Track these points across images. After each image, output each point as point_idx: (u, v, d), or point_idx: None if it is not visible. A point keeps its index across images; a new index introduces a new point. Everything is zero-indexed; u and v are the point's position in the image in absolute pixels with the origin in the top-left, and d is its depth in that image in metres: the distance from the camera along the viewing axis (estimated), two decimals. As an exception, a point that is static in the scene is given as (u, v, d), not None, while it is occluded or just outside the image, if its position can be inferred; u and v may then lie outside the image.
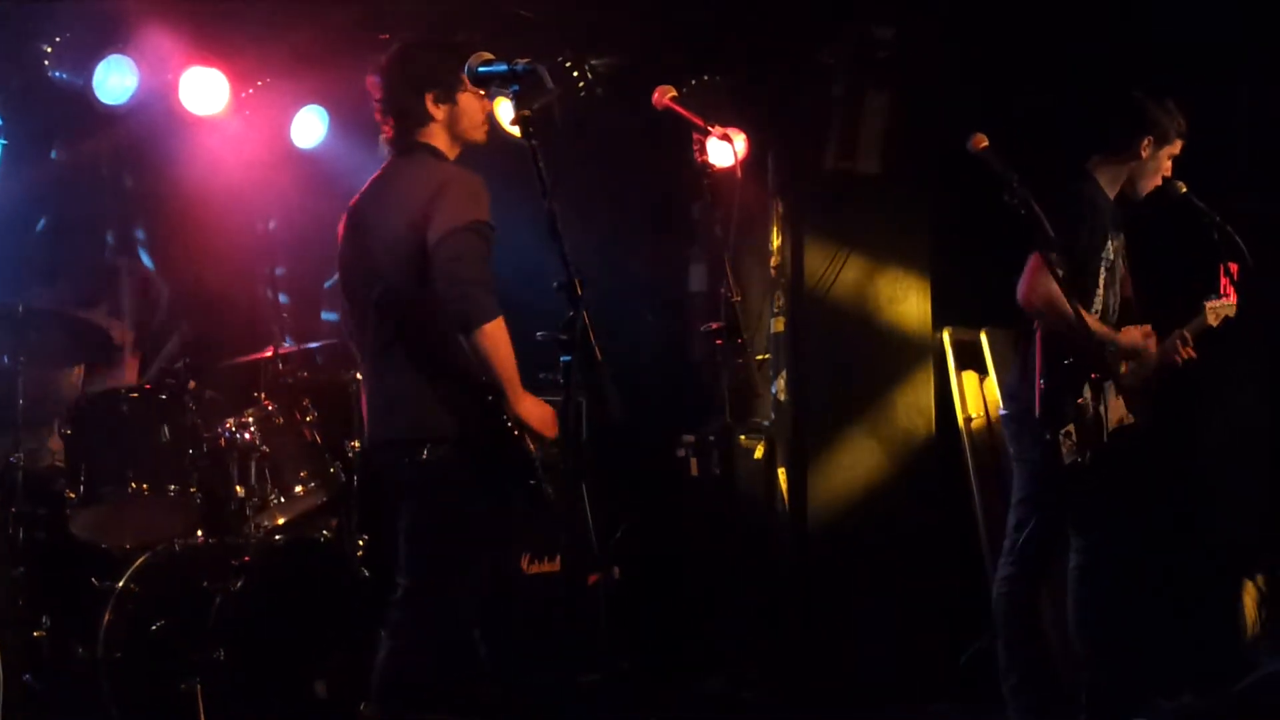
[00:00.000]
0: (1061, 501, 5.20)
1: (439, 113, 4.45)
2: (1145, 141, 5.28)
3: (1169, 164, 5.33)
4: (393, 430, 4.40)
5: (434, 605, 4.39)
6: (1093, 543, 5.29)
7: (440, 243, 4.16)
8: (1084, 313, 4.99)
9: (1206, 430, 6.61)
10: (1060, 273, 4.85)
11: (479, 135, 4.55)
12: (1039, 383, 5.06)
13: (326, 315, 8.05)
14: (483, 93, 4.44)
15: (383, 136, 4.53)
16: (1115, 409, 5.17)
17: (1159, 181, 5.33)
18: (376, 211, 4.46)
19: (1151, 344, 5.29)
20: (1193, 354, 5.32)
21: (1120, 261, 5.35)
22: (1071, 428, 5.07)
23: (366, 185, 4.56)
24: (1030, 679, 5.22)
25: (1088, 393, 5.10)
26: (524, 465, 4.30)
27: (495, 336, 4.18)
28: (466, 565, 4.41)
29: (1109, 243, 5.26)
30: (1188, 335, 5.32)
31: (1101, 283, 5.27)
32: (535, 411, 4.33)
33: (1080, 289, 5.12)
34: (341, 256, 4.58)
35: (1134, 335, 5.29)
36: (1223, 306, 5.32)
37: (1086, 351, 5.02)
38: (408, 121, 4.43)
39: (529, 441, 4.31)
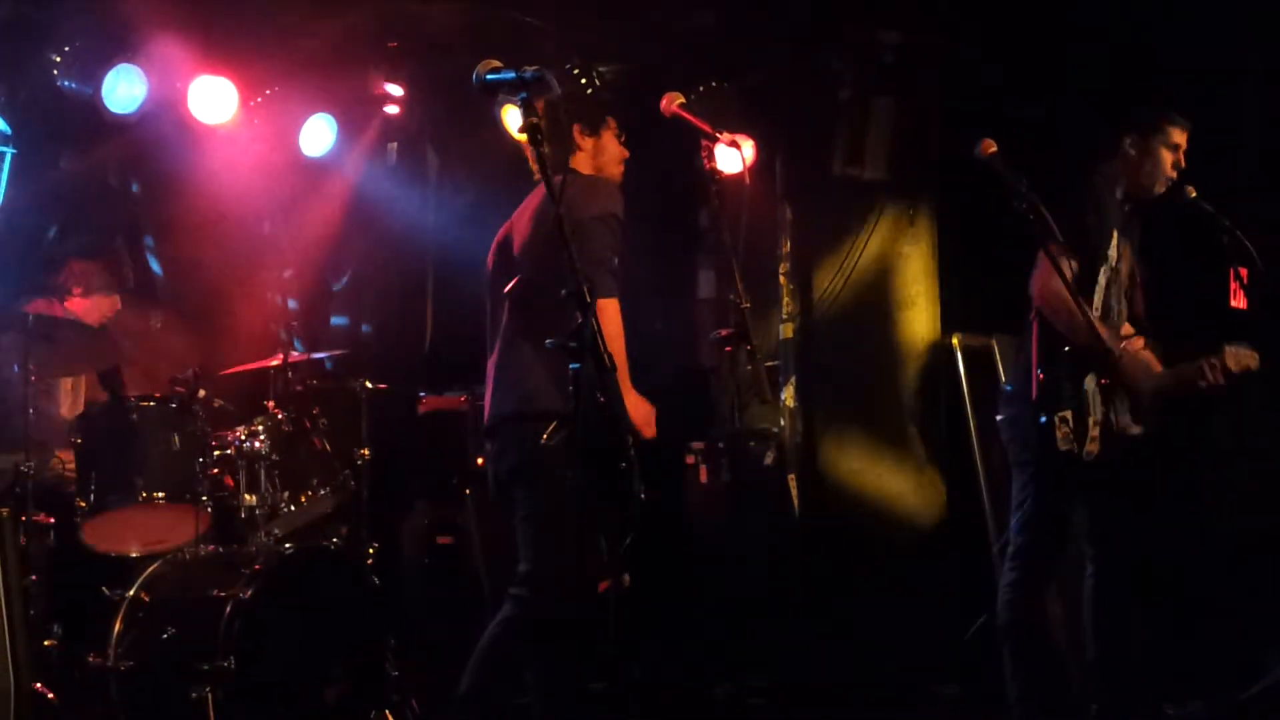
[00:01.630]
0: (1061, 498, 5.15)
1: (585, 143, 4.77)
2: (1128, 140, 5.21)
3: (1172, 156, 5.21)
4: (509, 405, 4.60)
5: (547, 590, 4.53)
6: (1107, 551, 5.26)
7: (574, 230, 4.26)
8: (1093, 317, 4.97)
9: (1217, 435, 6.59)
10: (1068, 274, 4.83)
11: (617, 174, 4.84)
12: (1036, 373, 5.03)
13: (336, 320, 8.07)
14: (623, 137, 4.84)
15: (531, 161, 4.67)
16: (1121, 413, 5.13)
17: (1168, 174, 5.22)
18: (521, 224, 4.74)
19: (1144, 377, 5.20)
20: (1220, 381, 5.17)
21: (1125, 267, 5.29)
22: (1069, 414, 5.01)
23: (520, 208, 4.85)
24: (1034, 687, 5.17)
25: (1090, 384, 5.07)
26: (622, 457, 4.35)
27: (609, 313, 4.43)
28: (576, 546, 4.44)
29: (1113, 244, 5.22)
30: (1217, 363, 5.14)
31: (1103, 282, 5.22)
32: (638, 406, 4.54)
33: (1080, 284, 5.09)
34: (490, 275, 4.85)
35: (1135, 363, 5.20)
36: (1244, 356, 5.14)
37: (1091, 354, 4.99)
38: (556, 147, 4.61)
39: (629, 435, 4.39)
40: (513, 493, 4.64)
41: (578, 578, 4.51)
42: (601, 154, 4.83)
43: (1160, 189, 5.26)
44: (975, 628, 6.49)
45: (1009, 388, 5.36)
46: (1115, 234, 5.21)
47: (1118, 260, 5.23)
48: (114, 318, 6.48)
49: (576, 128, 4.78)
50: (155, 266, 7.44)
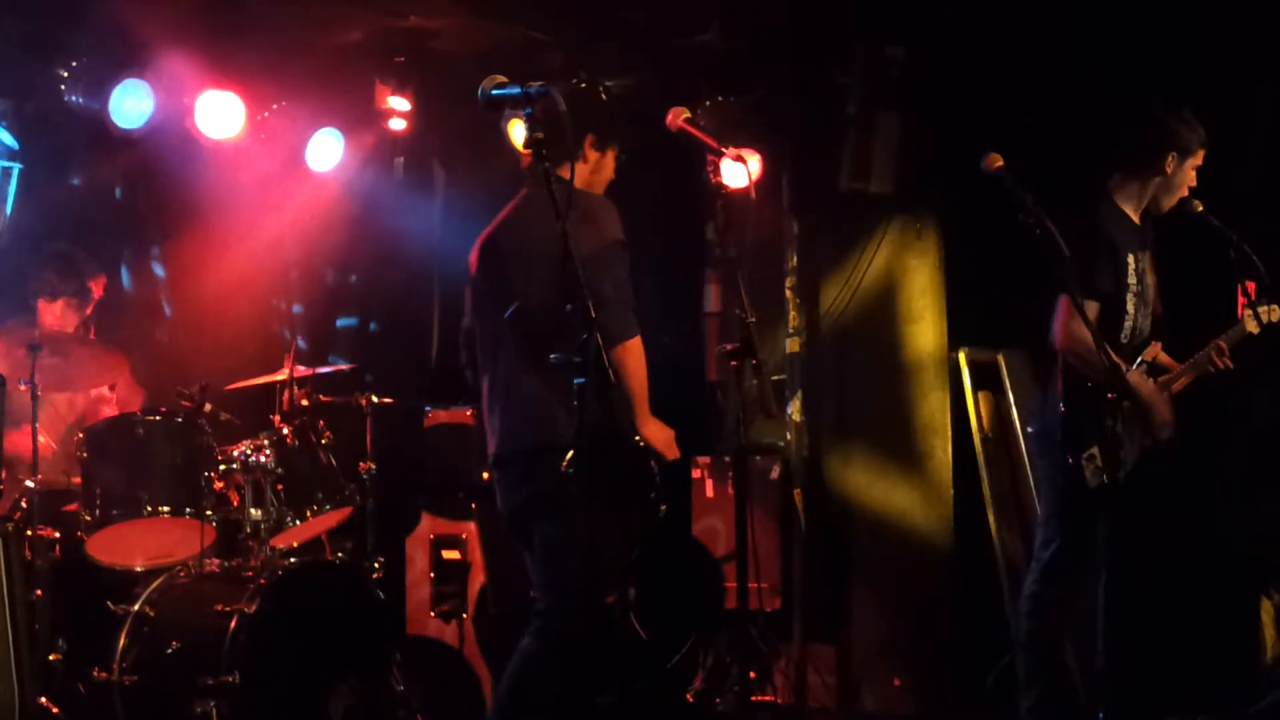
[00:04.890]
0: (1089, 522, 5.15)
1: (591, 156, 4.69)
2: (1170, 158, 5.20)
3: (1193, 175, 5.25)
4: (527, 440, 4.52)
5: (570, 620, 4.47)
6: (1123, 560, 5.26)
7: (587, 262, 4.15)
8: (1114, 357, 4.96)
9: (1227, 447, 6.57)
10: (1090, 314, 4.84)
11: (601, 189, 4.77)
12: (1060, 407, 5.02)
13: (334, 360, 8.01)
14: (621, 160, 4.77)
15: (525, 164, 4.68)
16: (1144, 434, 5.13)
17: (1185, 193, 5.26)
18: (513, 237, 4.64)
19: (1162, 406, 5.21)
20: (1230, 365, 5.24)
21: (1149, 278, 5.30)
22: (1095, 450, 5.03)
23: (502, 214, 4.75)
24: (1049, 698, 5.19)
25: (1116, 415, 5.07)
26: (647, 482, 4.36)
27: (633, 353, 4.41)
28: (596, 579, 4.49)
29: (1132, 264, 5.21)
30: (1224, 345, 5.25)
31: (1131, 307, 5.22)
32: (660, 433, 4.54)
33: (1111, 320, 5.11)
34: (474, 284, 4.77)
35: (1151, 390, 5.20)
36: (1268, 310, 5.24)
37: (1112, 386, 4.99)
38: (560, 155, 4.36)
39: (651, 460, 4.47)
40: (529, 524, 4.60)
41: (594, 602, 4.51)
42: (600, 171, 4.77)
43: (1173, 203, 5.28)
44: (996, 672, 6.47)
45: (1030, 429, 5.38)
46: (1133, 256, 5.20)
47: (1139, 281, 5.22)
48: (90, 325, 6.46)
49: (590, 139, 4.69)
50: (162, 280, 7.44)
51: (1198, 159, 5.24)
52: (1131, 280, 5.19)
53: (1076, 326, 4.94)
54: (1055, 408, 5.09)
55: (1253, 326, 5.26)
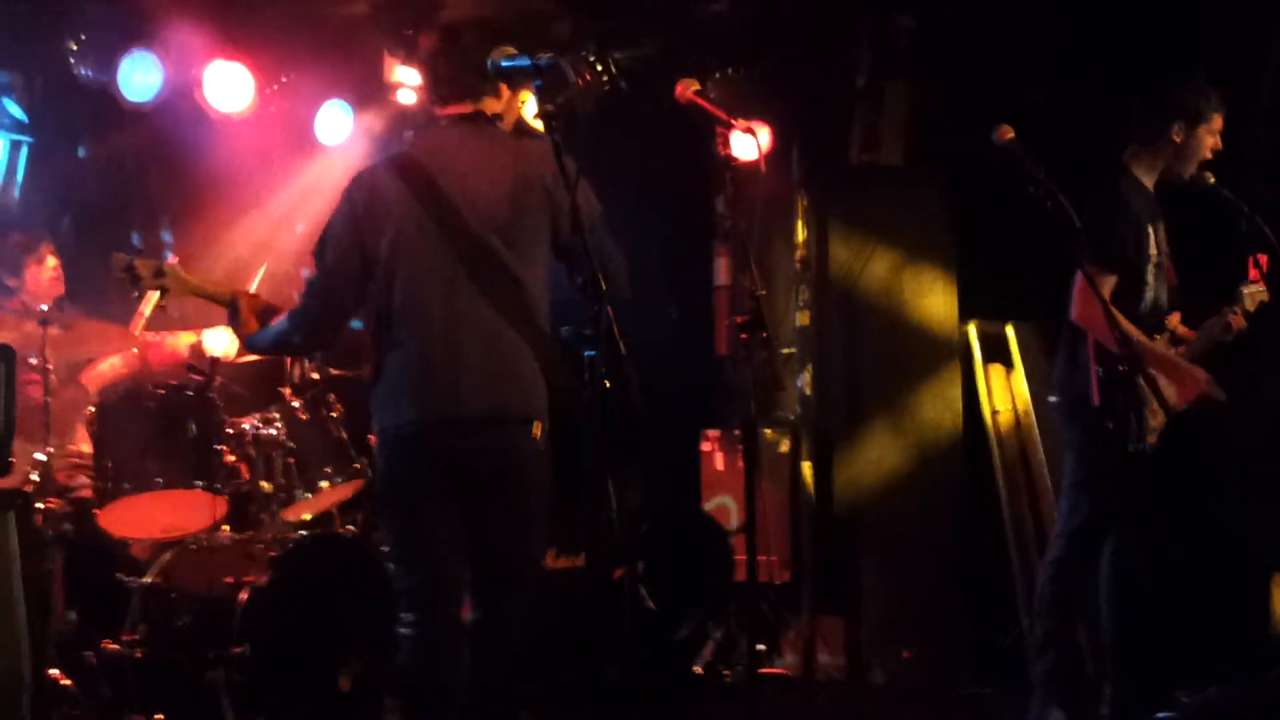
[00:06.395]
0: (1116, 489, 5.16)
1: (508, 96, 4.36)
2: (1176, 127, 5.18)
3: (1211, 140, 5.21)
4: (516, 404, 4.20)
5: (528, 599, 4.30)
6: (1133, 532, 5.27)
7: (593, 227, 4.09)
8: (1133, 330, 4.98)
9: (1237, 422, 6.56)
10: (1106, 291, 4.85)
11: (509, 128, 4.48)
12: (1095, 369, 5.02)
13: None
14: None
15: (439, 94, 4.35)
16: (1169, 396, 5.12)
17: (1205, 157, 5.21)
18: (475, 177, 4.24)
19: (1188, 370, 5.21)
20: (1244, 324, 5.23)
21: (1165, 250, 5.29)
22: (1132, 418, 5.04)
23: (420, 147, 4.37)
24: (1063, 665, 5.21)
25: (1141, 381, 5.07)
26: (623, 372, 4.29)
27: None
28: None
29: (1152, 236, 5.20)
30: (1238, 309, 5.24)
31: (1151, 278, 5.21)
32: None
33: (1131, 292, 5.11)
34: (375, 222, 4.23)
35: (1171, 359, 5.20)
36: (1258, 292, 5.27)
37: (1134, 359, 4.99)
38: (485, 94, 4.25)
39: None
40: (490, 493, 4.26)
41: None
42: (515, 109, 4.49)
43: (1192, 170, 5.25)
44: (1006, 641, 6.48)
45: (1055, 398, 5.36)
46: (1152, 227, 5.18)
47: (1159, 252, 5.21)
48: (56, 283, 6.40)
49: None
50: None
51: (1214, 124, 5.20)
52: (1153, 252, 5.18)
53: (1092, 303, 4.94)
54: (1087, 376, 5.07)
55: (1249, 305, 5.26)
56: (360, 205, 4.25)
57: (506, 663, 4.26)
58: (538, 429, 4.19)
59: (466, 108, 4.32)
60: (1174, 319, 5.30)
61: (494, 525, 4.22)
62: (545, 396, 4.13)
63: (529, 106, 6.11)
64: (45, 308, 5.80)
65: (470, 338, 4.17)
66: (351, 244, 4.25)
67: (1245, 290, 5.28)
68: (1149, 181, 5.26)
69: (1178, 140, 5.19)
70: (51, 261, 6.27)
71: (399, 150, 4.44)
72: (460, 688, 4.20)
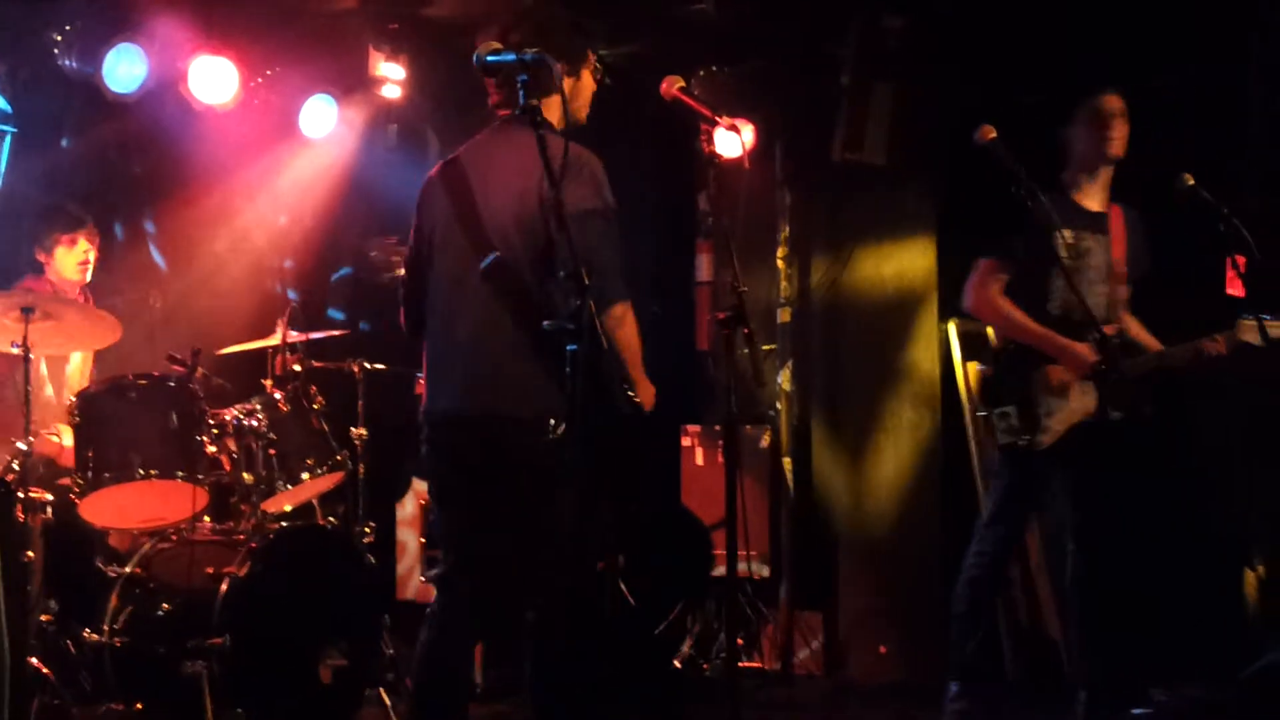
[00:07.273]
0: (1019, 483, 5.36)
1: (565, 85, 4.36)
2: (1068, 132, 5.41)
3: (1107, 122, 5.33)
4: (524, 406, 4.25)
5: (566, 597, 4.34)
6: (1085, 540, 5.35)
7: (578, 223, 4.06)
8: (1020, 315, 5.22)
9: (1207, 418, 6.59)
10: (1004, 276, 5.17)
11: (584, 116, 4.56)
12: (980, 371, 5.22)
13: (332, 313, 8.04)
14: (600, 74, 4.56)
15: (490, 100, 4.47)
16: (1079, 402, 5.20)
17: (1111, 136, 5.32)
18: (489, 177, 4.38)
19: (1074, 365, 5.27)
20: (1223, 350, 5.24)
21: (1096, 259, 5.34)
22: (1010, 409, 5.25)
23: (467, 148, 4.51)
24: (964, 643, 5.39)
25: (1038, 379, 5.20)
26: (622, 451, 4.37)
27: (625, 318, 4.28)
28: (579, 551, 4.43)
29: (1060, 242, 5.23)
30: (1220, 338, 5.23)
31: (1059, 284, 5.26)
32: (650, 393, 4.46)
33: (1034, 292, 5.28)
34: (425, 221, 4.49)
35: (1053, 340, 5.28)
36: (1274, 326, 5.17)
37: (1039, 347, 5.23)
38: (529, 88, 4.10)
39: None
40: (496, 489, 4.35)
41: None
42: (580, 95, 4.51)
43: (1115, 151, 5.36)
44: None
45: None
46: (1059, 233, 5.23)
47: (1075, 255, 5.26)
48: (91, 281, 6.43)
49: (560, 68, 4.28)
50: (155, 250, 7.44)
51: (1098, 113, 5.34)
52: (1061, 250, 5.21)
53: (987, 291, 5.30)
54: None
55: (1252, 337, 5.20)
56: (422, 201, 4.55)
57: (554, 660, 4.32)
58: (546, 427, 4.21)
59: (508, 110, 4.41)
60: (1111, 329, 5.32)
61: (507, 522, 4.32)
62: (555, 394, 4.07)
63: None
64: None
65: (471, 337, 4.32)
66: (418, 235, 4.54)
67: (1246, 323, 5.23)
68: (1079, 187, 5.38)
69: (1072, 142, 5.40)
70: (83, 246, 6.30)
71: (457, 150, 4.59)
72: (465, 675, 4.42)
